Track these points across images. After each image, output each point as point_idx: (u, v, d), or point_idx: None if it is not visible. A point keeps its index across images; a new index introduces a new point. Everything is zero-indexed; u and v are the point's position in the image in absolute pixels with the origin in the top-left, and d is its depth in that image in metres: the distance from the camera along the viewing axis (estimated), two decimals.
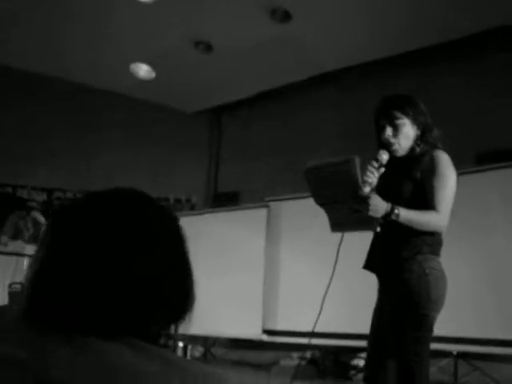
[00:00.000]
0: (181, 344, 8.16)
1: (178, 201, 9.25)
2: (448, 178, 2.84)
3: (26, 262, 7.72)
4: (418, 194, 2.86)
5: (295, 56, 7.64)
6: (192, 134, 9.67)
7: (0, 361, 0.88)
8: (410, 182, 2.89)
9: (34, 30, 7.47)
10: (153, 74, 8.48)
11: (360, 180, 2.68)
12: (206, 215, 8.78)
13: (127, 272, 0.96)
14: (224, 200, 9.11)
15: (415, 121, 2.97)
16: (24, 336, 0.93)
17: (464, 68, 7.05)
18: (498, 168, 5.99)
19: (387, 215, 2.71)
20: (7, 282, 7.10)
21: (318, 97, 8.43)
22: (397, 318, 2.83)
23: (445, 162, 2.86)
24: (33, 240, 8.33)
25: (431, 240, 2.84)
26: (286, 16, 6.75)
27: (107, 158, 9.09)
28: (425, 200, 2.83)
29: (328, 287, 3.12)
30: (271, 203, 7.91)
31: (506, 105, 6.59)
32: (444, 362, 5.87)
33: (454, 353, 5.84)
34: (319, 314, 3.21)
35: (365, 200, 2.68)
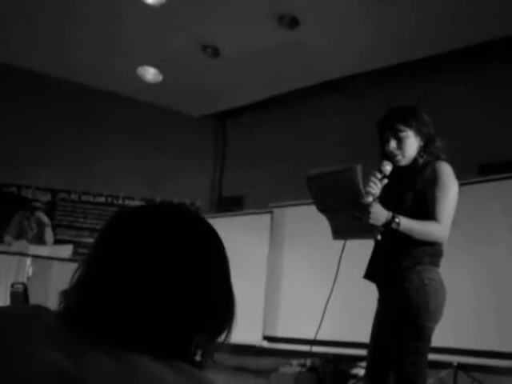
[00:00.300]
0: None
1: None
2: (449, 189, 2.86)
3: (28, 262, 7.73)
4: (420, 204, 2.88)
5: (301, 63, 7.64)
6: (197, 138, 9.68)
7: (37, 362, 0.87)
8: (412, 192, 2.92)
9: (40, 29, 7.48)
10: (160, 78, 8.49)
11: (362, 188, 2.70)
12: (210, 219, 8.74)
13: (175, 287, 0.98)
14: (228, 205, 9.11)
15: (418, 132, 3.00)
16: (62, 340, 0.93)
17: (468, 78, 7.04)
18: (501, 179, 5.99)
19: (388, 224, 2.73)
20: (10, 282, 7.11)
21: (324, 104, 8.43)
22: (396, 328, 2.85)
23: (447, 173, 2.88)
24: (36, 240, 8.35)
25: (431, 250, 2.85)
26: (293, 22, 6.75)
27: (112, 160, 9.10)
28: (426, 210, 2.85)
29: (329, 296, 3.13)
30: (275, 209, 7.91)
31: (509, 116, 6.58)
32: (444, 373, 5.85)
33: (455, 364, 5.82)
34: (321, 322, 3.22)
35: (366, 208, 2.71)
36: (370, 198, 2.80)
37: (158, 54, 7.82)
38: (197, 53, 7.64)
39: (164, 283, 0.97)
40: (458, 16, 6.32)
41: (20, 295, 5.58)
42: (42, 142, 8.84)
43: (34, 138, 8.85)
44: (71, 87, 8.96)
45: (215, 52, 7.61)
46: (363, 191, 2.73)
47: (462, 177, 5.82)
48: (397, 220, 2.75)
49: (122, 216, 1.08)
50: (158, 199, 9.19)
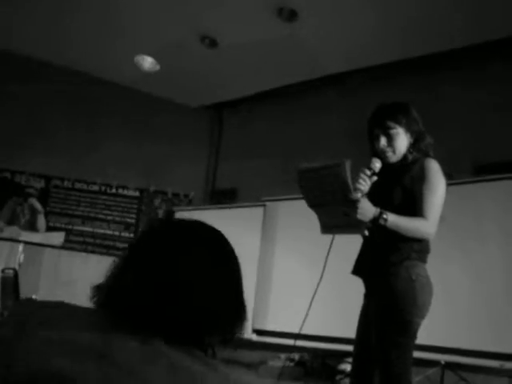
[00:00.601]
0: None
1: (175, 195, 9.25)
2: (437, 186, 2.89)
3: (20, 248, 7.73)
4: (408, 201, 2.90)
5: (299, 56, 7.63)
6: (193, 129, 9.67)
7: (65, 343, 0.98)
8: (400, 189, 2.94)
9: (37, 16, 7.43)
10: (157, 67, 8.47)
11: (350, 184, 2.72)
12: (203, 211, 8.79)
13: (197, 288, 1.15)
14: (221, 197, 9.11)
15: (408, 129, 3.02)
16: (94, 323, 1.07)
17: (466, 77, 7.04)
18: (496, 179, 6.00)
19: (375, 220, 2.74)
20: (0, 268, 7.11)
21: (321, 99, 8.43)
22: (381, 322, 2.86)
23: (434, 170, 2.91)
24: (28, 226, 8.33)
25: (419, 246, 2.88)
26: (292, 15, 6.73)
27: (107, 148, 9.08)
28: (414, 207, 2.86)
29: (315, 291, 3.15)
30: (268, 203, 7.91)
31: (506, 117, 6.59)
32: (431, 371, 5.87)
33: (442, 362, 5.84)
34: (305, 316, 3.24)
35: (354, 203, 2.73)
36: (359, 195, 2.82)
37: (156, 43, 7.80)
38: (195, 43, 7.62)
39: (183, 286, 1.14)
40: (458, 14, 6.31)
41: (10, 281, 5.57)
42: (36, 129, 8.81)
43: (29, 124, 8.82)
44: (67, 74, 8.93)
45: (213, 43, 7.59)
46: (352, 187, 2.75)
47: (457, 176, 5.90)
48: (384, 216, 2.77)
49: (156, 227, 1.30)
50: (151, 189, 9.19)
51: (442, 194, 2.93)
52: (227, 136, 9.76)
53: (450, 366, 5.85)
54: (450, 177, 5.86)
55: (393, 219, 2.79)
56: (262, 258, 7.65)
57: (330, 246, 3.05)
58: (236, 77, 8.49)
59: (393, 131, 2.99)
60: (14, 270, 5.97)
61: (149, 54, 8.29)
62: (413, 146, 3.03)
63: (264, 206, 7.91)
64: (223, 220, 8.34)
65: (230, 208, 8.53)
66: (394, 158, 3.03)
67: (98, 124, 9.17)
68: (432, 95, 7.10)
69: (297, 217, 6.77)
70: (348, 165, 2.68)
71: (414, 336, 2.85)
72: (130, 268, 1.18)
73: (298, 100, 8.71)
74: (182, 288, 1.12)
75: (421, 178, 2.92)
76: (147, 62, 8.42)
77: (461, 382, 5.80)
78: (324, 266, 3.10)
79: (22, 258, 7.79)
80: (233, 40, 7.48)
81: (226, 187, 9.31)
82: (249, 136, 9.29)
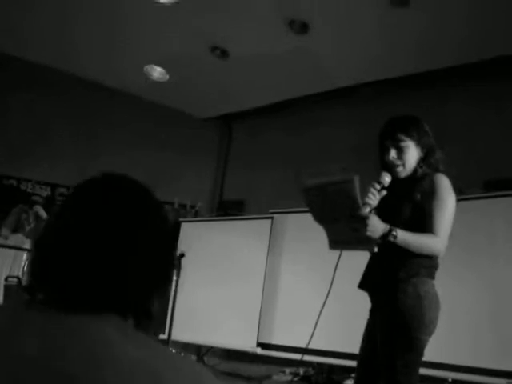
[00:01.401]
0: (174, 351, 8.13)
1: (182, 206, 9.22)
2: (447, 202, 2.84)
3: (24, 256, 7.70)
4: (417, 217, 2.86)
5: (309, 69, 7.62)
6: (201, 140, 9.66)
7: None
8: (410, 204, 2.90)
9: (46, 23, 7.44)
10: (166, 77, 8.46)
11: (359, 200, 2.66)
12: (210, 222, 8.75)
13: (121, 249, 1.06)
14: (229, 208, 9.07)
15: (419, 143, 2.99)
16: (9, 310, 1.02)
17: (476, 93, 7.01)
18: (506, 196, 5.95)
19: (385, 236, 2.69)
20: (4, 276, 7.08)
21: (330, 112, 8.40)
22: (388, 339, 2.81)
23: (444, 186, 2.87)
24: (33, 234, 8.30)
25: (428, 263, 2.84)
26: (303, 27, 6.72)
27: (113, 157, 9.06)
28: (423, 223, 2.82)
29: (323, 305, 3.11)
30: (275, 215, 7.87)
31: None
32: None
33: (449, 380, 5.77)
34: (313, 331, 3.20)
35: (363, 220, 2.68)
36: (367, 209, 2.78)
37: (166, 53, 7.79)
38: (205, 54, 7.62)
39: (107, 244, 1.05)
40: (470, 29, 6.29)
41: (14, 289, 5.55)
42: (43, 136, 8.81)
43: (35, 132, 8.81)
44: (75, 82, 8.94)
45: (224, 54, 7.57)
46: (361, 203, 2.71)
47: (467, 192, 5.85)
48: (394, 233, 2.73)
49: (80, 189, 1.16)
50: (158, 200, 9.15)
51: (452, 210, 2.88)
52: (235, 147, 9.74)
53: (456, 383, 5.79)
54: (461, 192, 5.83)
55: (402, 236, 2.74)
56: (268, 270, 7.60)
57: (338, 262, 3.01)
58: (245, 88, 8.48)
59: (403, 144, 2.96)
60: (18, 278, 5.95)
61: (158, 64, 8.29)
62: (423, 161, 3.00)
63: (272, 218, 7.86)
64: (230, 232, 8.36)
65: (237, 220, 8.50)
66: (403, 172, 2.99)
67: (105, 133, 9.17)
68: (442, 110, 7.07)
69: (305, 230, 6.73)
70: (357, 180, 2.64)
71: (421, 353, 2.80)
72: (53, 235, 1.08)
73: (307, 112, 8.69)
74: (101, 255, 1.04)
75: (431, 193, 2.86)
76: (156, 72, 8.42)
77: None
78: (331, 282, 3.06)
79: (26, 266, 7.76)
80: (243, 51, 7.47)
81: (234, 199, 9.28)
82: (257, 148, 9.27)
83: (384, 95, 7.74)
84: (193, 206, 9.26)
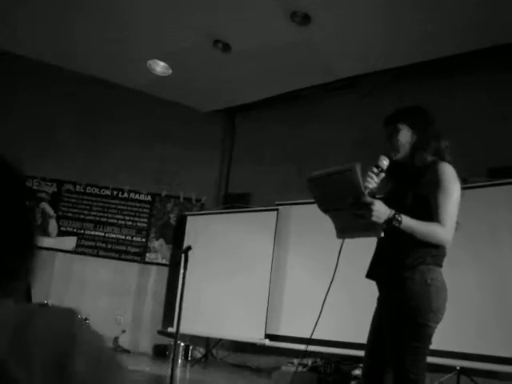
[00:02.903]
0: (182, 344, 8.16)
1: (188, 199, 9.23)
2: (452, 191, 2.85)
3: None
4: (421, 204, 2.87)
5: (312, 61, 7.60)
6: (205, 134, 9.65)
7: None
8: (413, 193, 2.92)
9: (49, 20, 7.44)
10: (169, 71, 8.46)
11: (362, 187, 2.70)
12: (216, 215, 8.77)
13: None
14: (234, 201, 9.08)
15: (413, 127, 3.02)
16: None
17: (481, 81, 6.99)
18: (510, 183, 5.95)
19: (389, 221, 2.70)
20: None
21: (334, 103, 8.39)
22: (396, 326, 2.82)
23: (448, 175, 2.87)
24: (40, 231, 8.33)
25: (436, 251, 2.84)
26: (305, 19, 6.70)
27: (118, 152, 9.09)
28: (427, 212, 2.83)
29: (326, 295, 3.13)
30: (281, 207, 7.89)
31: None
32: (446, 376, 5.82)
33: (457, 368, 5.79)
34: (317, 321, 3.22)
35: (368, 206, 2.69)
36: (367, 191, 2.80)
37: (169, 47, 7.79)
38: (207, 47, 7.61)
39: None
40: (474, 17, 6.25)
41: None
42: (48, 133, 8.84)
43: (41, 129, 8.84)
44: (78, 79, 8.95)
45: (226, 47, 7.57)
46: (364, 190, 2.74)
47: (472, 180, 5.85)
48: (398, 218, 2.73)
49: None
50: (163, 194, 9.18)
51: (457, 199, 2.88)
52: (240, 140, 9.74)
53: (465, 371, 5.80)
54: (465, 181, 5.81)
55: (407, 221, 2.74)
56: (274, 262, 7.62)
57: (340, 250, 3.03)
58: (249, 81, 8.47)
59: (395, 127, 3.00)
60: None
61: (161, 59, 8.29)
62: (424, 148, 3.01)
63: (277, 210, 7.88)
64: (236, 224, 8.38)
65: (242, 212, 8.52)
66: (398, 155, 3.02)
67: (110, 128, 9.18)
68: (445, 99, 7.05)
69: (310, 221, 6.74)
70: (358, 168, 2.67)
71: (429, 341, 2.81)
72: None
73: (311, 104, 8.68)
74: None
75: (435, 183, 2.86)
76: (160, 67, 8.42)
77: None
78: (335, 270, 3.07)
79: None
80: (246, 44, 7.46)
81: (239, 191, 9.29)
82: (262, 140, 9.27)
83: (388, 85, 7.72)
84: (198, 200, 9.27)
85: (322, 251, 6.46)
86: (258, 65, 7.94)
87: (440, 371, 5.79)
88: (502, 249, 5.80)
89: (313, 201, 2.97)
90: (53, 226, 8.59)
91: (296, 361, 7.01)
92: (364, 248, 3.13)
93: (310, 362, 6.88)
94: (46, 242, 8.40)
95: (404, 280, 2.81)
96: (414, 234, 2.77)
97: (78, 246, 8.70)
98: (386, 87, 7.75)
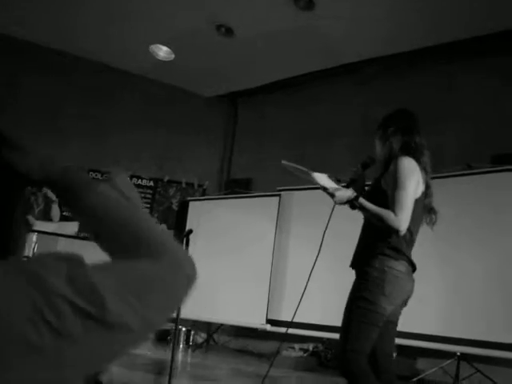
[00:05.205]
0: (184, 329, 8.19)
1: (190, 185, 9.24)
2: (406, 183, 3.06)
3: (34, 237, 7.74)
4: (382, 197, 3.14)
5: (315, 46, 7.58)
6: (208, 119, 9.65)
7: None
8: (373, 187, 3.25)
9: (52, 5, 7.41)
10: (172, 56, 8.44)
11: (321, 187, 3.10)
12: (218, 201, 8.78)
13: None
14: (236, 186, 9.08)
15: (381, 138, 3.32)
16: None
17: (484, 67, 6.97)
18: None
19: (350, 201, 3.02)
20: None
21: (336, 88, 8.38)
22: (349, 306, 3.09)
23: (403, 167, 3.12)
24: (42, 216, 8.34)
25: (393, 243, 3.06)
26: (309, 3, 6.67)
27: (121, 137, 9.08)
28: (386, 202, 3.08)
29: (310, 275, 3.44)
30: (283, 192, 7.89)
31: None
32: (447, 362, 5.84)
33: (458, 354, 5.80)
34: (299, 303, 3.45)
35: (331, 195, 3.05)
36: (343, 184, 3.15)
37: (171, 32, 7.76)
38: (210, 32, 7.58)
39: None
40: (477, 2, 6.23)
41: None
42: (51, 118, 8.82)
43: (42, 113, 8.82)
44: (82, 64, 8.94)
45: (229, 32, 7.54)
46: (323, 187, 3.09)
47: (475, 166, 5.85)
48: (356, 200, 3.01)
49: None
50: (165, 179, 9.18)
51: (412, 190, 3.05)
52: (242, 126, 9.73)
53: (465, 357, 5.82)
54: (469, 167, 5.85)
55: (363, 202, 3.01)
56: (276, 247, 7.63)
57: (326, 228, 3.27)
58: (251, 66, 8.45)
59: (377, 133, 3.36)
60: (28, 258, 5.98)
61: (164, 43, 8.27)
62: (392, 146, 3.26)
63: (279, 195, 7.88)
64: (238, 209, 8.38)
65: (244, 198, 8.52)
66: (378, 155, 3.35)
67: (112, 113, 9.17)
68: (449, 85, 7.04)
69: (312, 206, 6.75)
70: (315, 175, 3.15)
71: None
72: None
73: (313, 90, 8.66)
74: None
75: (392, 175, 3.08)
76: (162, 51, 8.40)
77: (476, 373, 5.77)
78: (320, 245, 3.36)
79: (35, 247, 7.80)
80: (249, 29, 7.44)
81: (241, 177, 9.29)
82: (264, 125, 9.26)
83: (390, 71, 7.71)
84: (200, 185, 9.28)
85: (325, 236, 6.47)
86: (261, 50, 7.92)
87: (440, 357, 5.81)
88: (507, 234, 5.81)
89: (314, 186, 3.19)
90: (55, 210, 8.59)
91: (297, 346, 7.04)
92: None
93: (311, 347, 6.91)
94: (48, 226, 8.42)
95: (366, 266, 3.05)
96: (368, 216, 3.11)
97: (80, 230, 8.72)
98: (389, 72, 7.73)
